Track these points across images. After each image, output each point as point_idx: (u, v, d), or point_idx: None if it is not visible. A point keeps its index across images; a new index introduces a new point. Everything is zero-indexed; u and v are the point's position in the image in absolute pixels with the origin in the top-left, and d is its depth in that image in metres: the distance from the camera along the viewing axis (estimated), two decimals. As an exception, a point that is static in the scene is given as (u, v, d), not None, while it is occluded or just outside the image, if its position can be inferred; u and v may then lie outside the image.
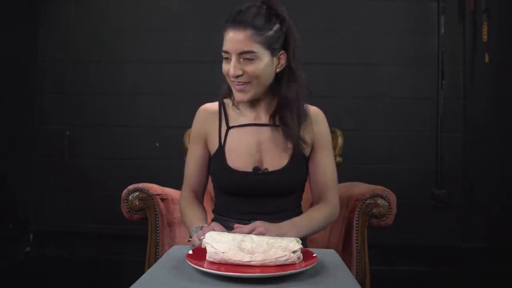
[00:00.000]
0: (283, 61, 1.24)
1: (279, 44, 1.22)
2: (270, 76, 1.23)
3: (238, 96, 1.23)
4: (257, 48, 1.18)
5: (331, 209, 1.27)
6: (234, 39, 1.17)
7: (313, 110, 1.33)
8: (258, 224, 1.10)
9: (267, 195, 1.25)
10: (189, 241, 1.17)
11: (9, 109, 2.70)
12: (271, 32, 1.19)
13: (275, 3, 1.21)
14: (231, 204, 1.28)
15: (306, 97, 1.29)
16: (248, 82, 1.20)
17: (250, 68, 1.18)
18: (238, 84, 1.20)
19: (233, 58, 1.18)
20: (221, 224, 1.17)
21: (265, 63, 1.19)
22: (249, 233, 1.06)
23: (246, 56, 1.17)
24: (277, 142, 1.26)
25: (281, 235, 1.08)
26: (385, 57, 2.81)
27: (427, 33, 2.80)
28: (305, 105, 1.30)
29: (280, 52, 1.23)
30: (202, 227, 1.16)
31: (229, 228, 1.15)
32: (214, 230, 1.09)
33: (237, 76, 1.19)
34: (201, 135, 1.33)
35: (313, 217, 1.23)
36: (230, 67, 1.18)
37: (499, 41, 2.72)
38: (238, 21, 1.17)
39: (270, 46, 1.20)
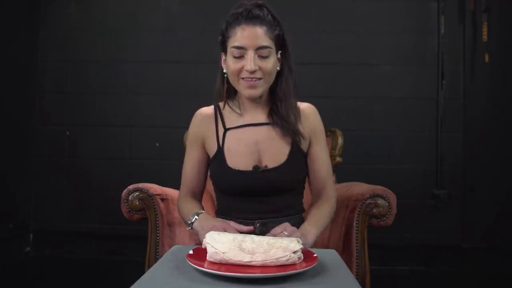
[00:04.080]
0: (280, 61, 1.27)
1: (279, 43, 1.25)
2: (275, 74, 1.26)
3: (248, 92, 1.23)
4: (271, 45, 1.21)
5: (333, 202, 1.31)
6: (251, 34, 1.18)
7: (305, 106, 1.35)
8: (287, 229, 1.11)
9: (269, 193, 1.26)
10: (190, 228, 1.20)
11: (9, 109, 2.69)
12: (277, 31, 1.23)
13: (268, 5, 1.24)
14: (233, 205, 1.29)
15: (297, 95, 1.32)
16: (260, 79, 1.21)
17: (265, 64, 1.20)
18: (251, 80, 1.20)
19: (251, 54, 1.18)
20: None
21: (275, 60, 1.23)
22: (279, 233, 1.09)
23: (262, 51, 1.19)
24: (275, 140, 1.28)
25: (305, 234, 1.13)
26: (385, 57, 2.81)
27: (427, 33, 2.79)
28: (296, 102, 1.33)
29: (279, 51, 1.26)
30: (199, 213, 1.21)
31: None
32: (214, 225, 1.13)
33: (253, 72, 1.19)
34: (198, 139, 1.34)
35: (324, 213, 1.26)
36: (247, 63, 1.18)
37: (499, 41, 2.72)
38: (254, 17, 1.19)
39: (277, 45, 1.23)
